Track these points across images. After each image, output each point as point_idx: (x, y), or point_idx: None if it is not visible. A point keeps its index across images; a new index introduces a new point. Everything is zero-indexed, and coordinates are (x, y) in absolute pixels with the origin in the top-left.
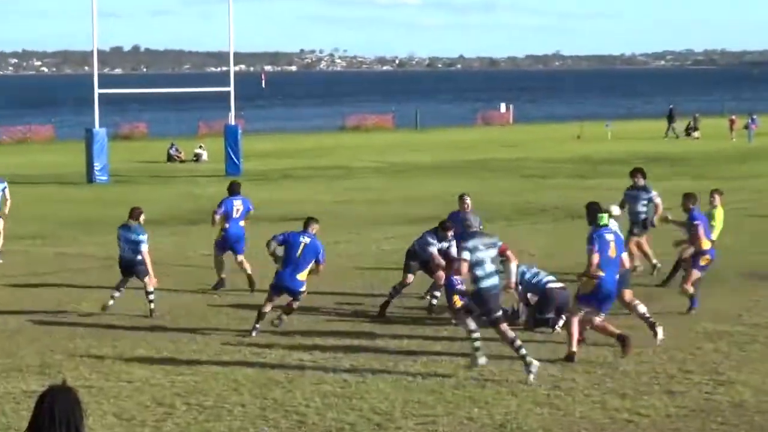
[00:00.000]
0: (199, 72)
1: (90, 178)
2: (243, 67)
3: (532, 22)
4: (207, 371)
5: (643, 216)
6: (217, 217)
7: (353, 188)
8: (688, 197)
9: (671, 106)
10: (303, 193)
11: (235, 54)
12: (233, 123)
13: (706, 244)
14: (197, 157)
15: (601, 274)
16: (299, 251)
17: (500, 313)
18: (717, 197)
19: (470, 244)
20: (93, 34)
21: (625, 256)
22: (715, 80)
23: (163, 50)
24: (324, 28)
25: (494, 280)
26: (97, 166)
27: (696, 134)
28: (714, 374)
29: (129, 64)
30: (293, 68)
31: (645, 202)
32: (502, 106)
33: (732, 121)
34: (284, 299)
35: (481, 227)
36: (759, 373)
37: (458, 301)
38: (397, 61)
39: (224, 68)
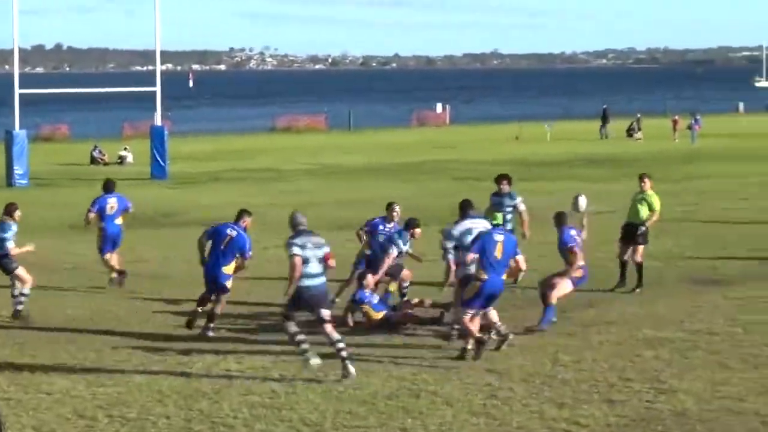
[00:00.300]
0: (125, 71)
1: (9, 181)
2: (170, 66)
3: (470, 20)
4: (130, 382)
5: (509, 225)
6: (91, 216)
7: (284, 191)
8: (559, 217)
9: (605, 107)
10: (232, 196)
11: (162, 52)
12: (159, 124)
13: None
14: (121, 160)
15: (485, 277)
16: (224, 243)
17: (325, 312)
18: (647, 181)
19: (299, 240)
20: (14, 32)
21: (520, 258)
22: (658, 79)
23: (86, 48)
24: (254, 25)
25: (319, 280)
26: (17, 169)
27: (638, 135)
28: (655, 382)
29: (51, 62)
30: (222, 67)
31: (510, 209)
32: (439, 107)
33: (675, 122)
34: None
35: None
36: (701, 381)
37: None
38: (329, 60)
39: (150, 67)
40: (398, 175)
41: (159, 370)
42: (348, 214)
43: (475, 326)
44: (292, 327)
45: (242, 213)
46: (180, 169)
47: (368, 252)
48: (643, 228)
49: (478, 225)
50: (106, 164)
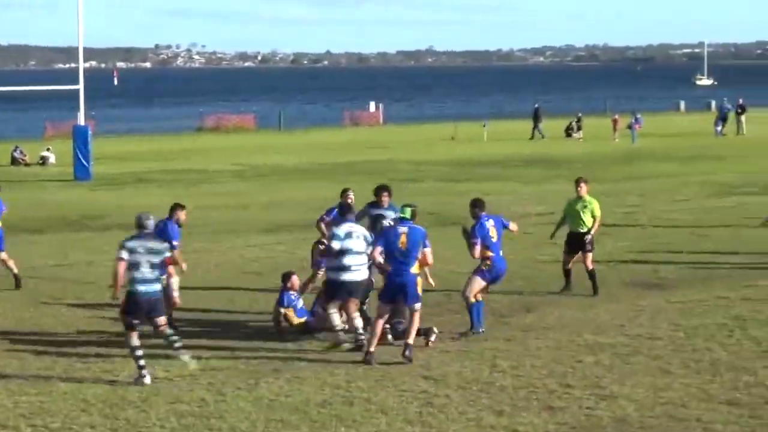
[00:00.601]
0: (46, 68)
1: None
2: (93, 63)
3: (403, 17)
4: (54, 390)
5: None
6: None
7: (212, 193)
8: (476, 204)
9: (536, 106)
10: (159, 198)
11: (85, 49)
12: (83, 123)
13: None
14: (43, 161)
15: (387, 268)
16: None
17: (160, 320)
18: (584, 185)
19: (131, 244)
20: None
21: (428, 250)
22: (597, 77)
23: (6, 45)
24: (181, 22)
25: (152, 286)
26: None
27: (576, 135)
28: (595, 388)
29: None
30: (148, 65)
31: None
32: (372, 106)
33: (615, 121)
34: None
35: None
36: (642, 387)
37: None
38: (259, 57)
39: (73, 65)
40: (330, 176)
41: (84, 378)
42: (278, 216)
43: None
44: (134, 340)
45: (175, 207)
46: (104, 170)
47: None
48: (589, 237)
49: (355, 229)
50: (27, 165)
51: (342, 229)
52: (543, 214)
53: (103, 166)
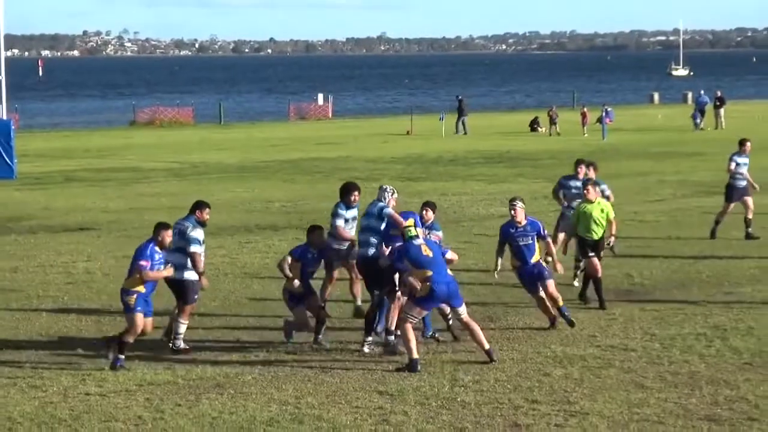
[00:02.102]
0: None
1: None
2: (16, 51)
3: (354, 1)
4: None
5: None
6: None
7: (147, 193)
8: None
9: (460, 98)
10: (89, 198)
11: (7, 36)
12: (5, 118)
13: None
14: None
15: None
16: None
17: None
18: (590, 189)
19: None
20: None
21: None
22: (564, 67)
23: None
24: (111, 6)
25: None
26: None
27: (541, 130)
28: (565, 404)
29: None
30: (76, 53)
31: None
32: (320, 98)
33: (584, 115)
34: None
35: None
36: (615, 402)
37: None
38: (197, 45)
39: None
40: (276, 175)
41: (9, 394)
42: (218, 219)
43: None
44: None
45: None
46: (29, 168)
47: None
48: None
49: None
50: None
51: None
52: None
53: (28, 164)
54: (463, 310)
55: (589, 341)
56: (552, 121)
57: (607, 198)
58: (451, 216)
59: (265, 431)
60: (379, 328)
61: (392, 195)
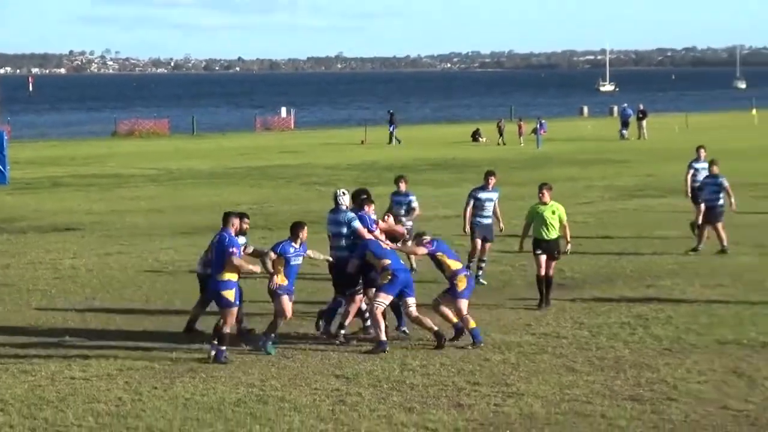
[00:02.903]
0: None
1: None
2: (8, 69)
3: (313, 23)
4: None
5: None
6: None
7: (127, 197)
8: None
9: (390, 111)
10: (74, 202)
11: (0, 56)
12: None
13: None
14: None
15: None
16: (211, 251)
17: None
18: (545, 192)
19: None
20: None
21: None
22: (502, 83)
23: None
24: (95, 28)
25: None
26: None
27: (483, 139)
28: (503, 386)
29: None
30: (62, 71)
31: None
32: (283, 111)
33: (519, 126)
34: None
35: None
36: (548, 384)
37: None
38: (172, 63)
39: None
40: (243, 181)
41: (1, 379)
42: (191, 220)
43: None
44: None
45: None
46: (20, 174)
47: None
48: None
49: None
50: None
51: None
52: (450, 217)
53: (20, 170)
54: (412, 302)
55: (525, 329)
56: (500, 132)
57: (413, 210)
58: None
59: (233, 411)
60: (333, 328)
61: (345, 196)
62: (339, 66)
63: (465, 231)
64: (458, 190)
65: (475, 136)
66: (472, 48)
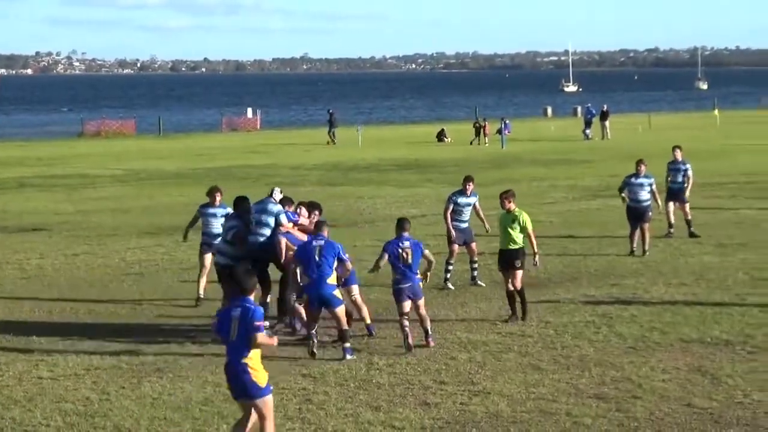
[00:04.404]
0: None
1: None
2: None
3: (279, 25)
4: None
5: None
6: None
7: (93, 197)
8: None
9: (331, 111)
10: (41, 202)
11: None
12: None
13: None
14: None
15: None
16: (317, 255)
17: None
18: (505, 201)
19: None
20: None
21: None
22: (467, 84)
23: None
24: (61, 30)
25: None
26: None
27: (447, 140)
28: (469, 384)
29: None
30: (29, 71)
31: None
32: (249, 111)
33: (484, 126)
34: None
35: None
36: (514, 383)
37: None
38: (138, 64)
39: None
40: (210, 181)
41: None
42: (157, 220)
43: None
44: None
45: (320, 224)
46: None
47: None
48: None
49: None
50: None
51: None
52: (416, 217)
53: None
54: (356, 289)
55: (491, 328)
56: (477, 132)
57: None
58: (366, 217)
59: (200, 410)
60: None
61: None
62: (304, 67)
63: (449, 235)
64: (424, 190)
65: (440, 136)
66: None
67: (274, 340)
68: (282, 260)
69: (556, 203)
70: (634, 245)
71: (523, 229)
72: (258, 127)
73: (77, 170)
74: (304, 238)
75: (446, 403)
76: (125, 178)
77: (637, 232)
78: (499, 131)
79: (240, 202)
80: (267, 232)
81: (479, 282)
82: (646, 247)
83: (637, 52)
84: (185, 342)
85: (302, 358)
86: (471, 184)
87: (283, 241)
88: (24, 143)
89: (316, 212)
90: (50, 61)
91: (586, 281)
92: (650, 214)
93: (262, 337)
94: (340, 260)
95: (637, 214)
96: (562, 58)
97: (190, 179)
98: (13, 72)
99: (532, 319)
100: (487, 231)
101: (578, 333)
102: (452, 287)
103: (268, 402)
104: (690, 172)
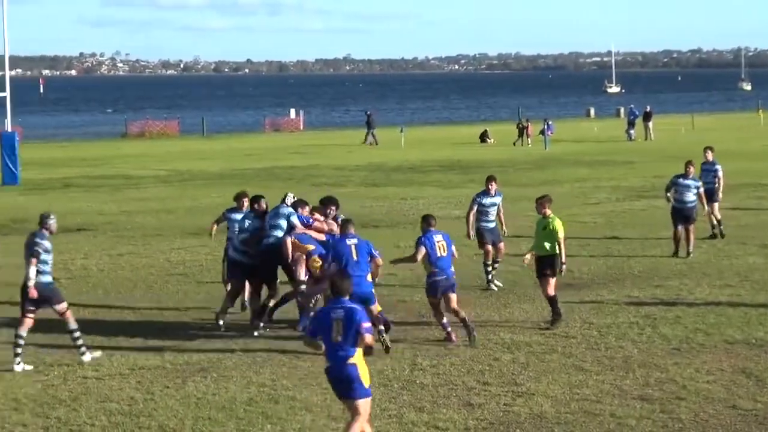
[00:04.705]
0: None
1: None
2: (19, 71)
3: (320, 25)
4: None
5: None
6: None
7: (137, 198)
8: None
9: (368, 113)
10: (85, 203)
11: (11, 57)
12: (10, 130)
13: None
14: None
15: None
16: (354, 254)
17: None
18: (540, 206)
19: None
20: None
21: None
22: (510, 85)
23: None
24: (104, 31)
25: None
26: None
27: (490, 141)
28: (513, 385)
29: None
30: (73, 73)
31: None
32: (292, 112)
33: (527, 127)
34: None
35: None
36: (558, 384)
37: None
38: (182, 65)
39: None
40: (253, 182)
41: (15, 378)
42: (201, 220)
43: None
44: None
45: (347, 223)
46: (32, 175)
47: None
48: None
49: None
50: None
51: None
52: (460, 218)
53: (31, 171)
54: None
55: (535, 329)
56: (520, 132)
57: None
58: (410, 218)
59: (244, 410)
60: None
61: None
62: (347, 68)
63: (469, 236)
64: (467, 190)
65: (483, 137)
66: (479, 50)
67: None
68: (288, 260)
69: (599, 204)
70: (678, 246)
71: (552, 235)
72: (301, 127)
73: (121, 171)
74: (320, 237)
75: (490, 404)
76: (169, 178)
77: (682, 234)
78: (542, 132)
79: (256, 201)
80: (279, 234)
81: (494, 284)
82: (690, 248)
83: (680, 52)
84: (229, 342)
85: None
86: (494, 183)
87: (289, 240)
88: (68, 144)
89: (333, 207)
90: (94, 62)
91: (630, 282)
92: (695, 215)
93: (370, 338)
94: (372, 257)
95: (683, 215)
96: (605, 59)
97: (234, 180)
98: (57, 73)
99: (575, 320)
100: (504, 233)
101: (622, 334)
102: (497, 286)
103: (368, 402)
104: (720, 173)
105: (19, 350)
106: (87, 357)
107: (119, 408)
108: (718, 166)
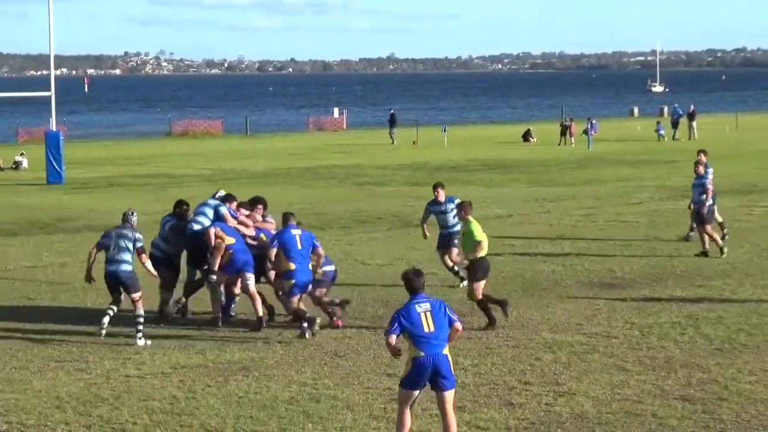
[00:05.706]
0: (19, 76)
1: None
2: (64, 70)
3: (365, 25)
4: (29, 388)
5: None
6: None
7: (181, 197)
8: (462, 206)
9: (392, 111)
10: (129, 201)
11: (56, 57)
12: (55, 129)
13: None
14: (17, 165)
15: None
16: (299, 243)
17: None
18: (465, 207)
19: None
20: None
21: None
22: (553, 84)
23: None
24: (149, 30)
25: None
26: None
27: (534, 140)
28: (554, 385)
29: None
30: (117, 72)
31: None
32: (336, 111)
33: (570, 127)
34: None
35: None
36: (599, 384)
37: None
38: (226, 65)
39: (45, 72)
40: (296, 181)
41: (58, 376)
42: None
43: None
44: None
45: (288, 216)
46: (76, 174)
47: None
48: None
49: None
50: (1, 170)
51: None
52: (502, 217)
53: (75, 170)
54: (251, 276)
55: (576, 329)
56: (563, 132)
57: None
58: None
59: (286, 409)
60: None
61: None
62: (391, 67)
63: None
64: (509, 190)
65: (527, 136)
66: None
67: None
68: (210, 248)
69: (642, 203)
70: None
71: (472, 239)
72: (344, 126)
73: (165, 170)
74: (247, 231)
75: (531, 404)
76: (213, 177)
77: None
78: (586, 131)
79: (179, 205)
80: (204, 221)
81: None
82: (707, 246)
83: (724, 51)
84: (271, 341)
85: (387, 356)
86: (441, 190)
87: (212, 230)
88: (112, 143)
89: (260, 206)
90: (138, 62)
91: (673, 282)
92: (707, 212)
93: (459, 325)
94: (314, 247)
95: (696, 214)
96: (649, 58)
97: (277, 179)
98: (102, 72)
99: (617, 320)
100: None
101: (664, 334)
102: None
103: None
104: (710, 178)
105: (140, 327)
106: (141, 342)
107: (161, 406)
108: (710, 177)
